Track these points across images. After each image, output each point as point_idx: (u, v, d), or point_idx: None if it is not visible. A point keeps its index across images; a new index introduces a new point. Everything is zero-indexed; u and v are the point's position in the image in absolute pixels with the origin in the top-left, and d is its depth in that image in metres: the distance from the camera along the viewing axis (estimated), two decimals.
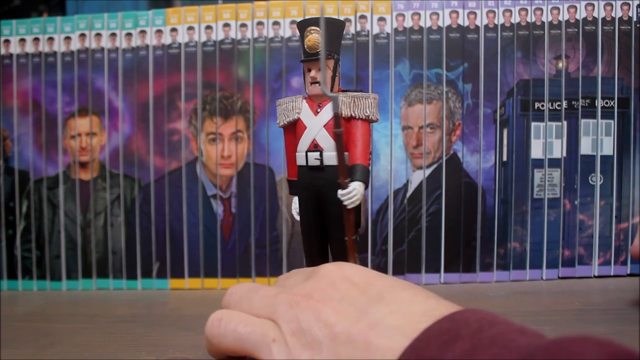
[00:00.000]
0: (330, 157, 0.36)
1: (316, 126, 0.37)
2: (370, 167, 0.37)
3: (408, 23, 0.52)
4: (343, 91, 0.37)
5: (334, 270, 0.27)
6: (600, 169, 0.53)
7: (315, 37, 0.35)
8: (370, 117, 0.36)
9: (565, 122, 0.52)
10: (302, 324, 0.25)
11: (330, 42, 0.35)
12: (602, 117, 0.52)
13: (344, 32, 0.36)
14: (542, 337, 0.20)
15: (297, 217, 0.38)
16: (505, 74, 0.52)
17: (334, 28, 0.36)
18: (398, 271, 0.53)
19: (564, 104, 0.52)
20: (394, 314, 0.24)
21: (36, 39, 0.56)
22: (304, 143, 0.37)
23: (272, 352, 0.25)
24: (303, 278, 0.29)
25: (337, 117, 0.33)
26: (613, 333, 0.38)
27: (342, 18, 0.52)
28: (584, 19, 0.52)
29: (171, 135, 0.54)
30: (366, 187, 0.35)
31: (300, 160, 0.37)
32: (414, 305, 0.24)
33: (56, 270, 0.56)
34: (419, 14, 0.52)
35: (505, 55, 0.52)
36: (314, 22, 0.36)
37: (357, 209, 0.36)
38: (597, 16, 0.52)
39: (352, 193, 0.34)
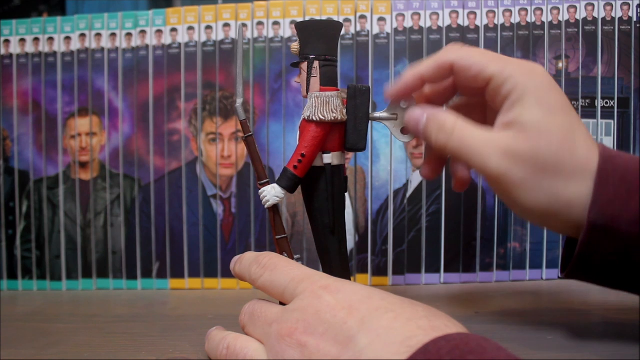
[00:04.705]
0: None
1: None
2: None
3: (408, 23, 0.52)
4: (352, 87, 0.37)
5: (320, 296, 0.28)
6: None
7: (293, 45, 0.37)
8: (310, 117, 0.36)
9: None
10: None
11: (304, 45, 0.36)
12: (602, 117, 0.52)
13: (329, 30, 0.36)
14: None
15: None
16: None
17: (308, 31, 0.36)
18: (398, 271, 0.53)
19: None
20: (373, 344, 0.25)
21: (36, 39, 0.56)
22: None
23: None
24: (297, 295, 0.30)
25: (242, 124, 0.37)
26: (612, 333, 0.38)
27: (341, 18, 0.52)
28: (584, 19, 0.52)
29: (171, 135, 0.54)
30: (289, 190, 0.36)
31: None
32: (392, 333, 0.25)
33: (56, 270, 0.56)
34: (419, 14, 0.52)
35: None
36: (311, 24, 0.37)
37: (332, 213, 0.37)
38: (597, 16, 0.52)
39: (262, 194, 0.37)
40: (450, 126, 0.33)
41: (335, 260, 0.38)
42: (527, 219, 0.34)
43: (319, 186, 0.37)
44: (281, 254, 0.37)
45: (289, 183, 0.36)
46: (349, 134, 0.37)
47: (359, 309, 0.27)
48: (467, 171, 0.39)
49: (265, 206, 0.37)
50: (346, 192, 0.39)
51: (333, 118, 0.36)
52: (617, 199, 0.30)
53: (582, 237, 0.30)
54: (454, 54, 0.34)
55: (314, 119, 0.36)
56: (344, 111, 0.37)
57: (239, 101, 0.37)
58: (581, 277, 0.34)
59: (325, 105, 0.35)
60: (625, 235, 0.30)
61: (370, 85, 0.52)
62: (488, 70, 0.33)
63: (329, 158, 0.37)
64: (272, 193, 0.36)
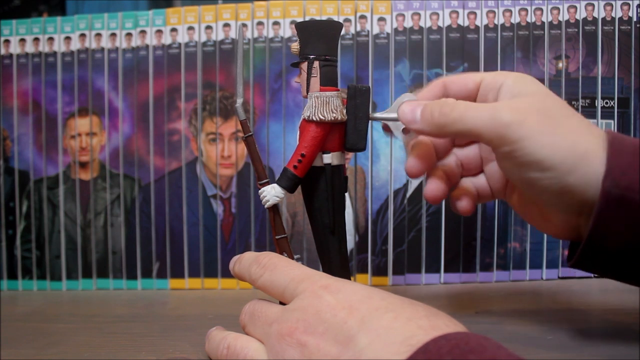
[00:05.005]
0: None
1: None
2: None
3: (408, 23, 0.52)
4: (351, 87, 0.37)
5: (320, 296, 0.29)
6: None
7: (293, 45, 0.37)
8: (310, 117, 0.36)
9: None
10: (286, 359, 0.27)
11: (304, 45, 0.36)
12: (602, 117, 0.52)
13: (329, 30, 0.36)
14: None
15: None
16: None
17: (308, 31, 0.36)
18: (398, 271, 0.53)
19: None
20: (373, 344, 0.25)
21: (36, 39, 0.56)
22: None
23: None
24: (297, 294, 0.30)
25: (242, 124, 0.37)
26: (612, 334, 0.38)
27: (341, 18, 0.52)
28: (584, 19, 0.52)
29: (171, 135, 0.54)
30: (289, 190, 0.36)
31: None
32: (392, 332, 0.25)
33: (56, 270, 0.56)
34: (419, 14, 0.52)
35: (505, 55, 0.52)
36: (311, 24, 0.37)
37: (332, 213, 0.37)
38: (597, 16, 0.52)
39: (262, 194, 0.37)
40: (452, 101, 0.33)
41: (335, 260, 0.38)
42: (542, 188, 0.32)
43: (319, 186, 0.37)
44: (281, 253, 0.37)
45: (288, 183, 0.36)
46: (349, 134, 0.37)
47: (359, 308, 0.27)
48: (472, 191, 0.39)
49: (265, 206, 0.37)
50: (346, 192, 0.39)
51: (333, 118, 0.36)
52: (631, 169, 0.29)
53: (597, 207, 0.30)
54: (444, 77, 0.38)
55: (314, 118, 0.36)
56: (344, 111, 0.37)
57: (239, 101, 0.37)
58: (590, 264, 0.33)
59: (325, 105, 0.35)
60: None
61: (370, 85, 0.52)
62: (478, 75, 0.36)
63: (328, 158, 0.37)
64: (272, 193, 0.36)
